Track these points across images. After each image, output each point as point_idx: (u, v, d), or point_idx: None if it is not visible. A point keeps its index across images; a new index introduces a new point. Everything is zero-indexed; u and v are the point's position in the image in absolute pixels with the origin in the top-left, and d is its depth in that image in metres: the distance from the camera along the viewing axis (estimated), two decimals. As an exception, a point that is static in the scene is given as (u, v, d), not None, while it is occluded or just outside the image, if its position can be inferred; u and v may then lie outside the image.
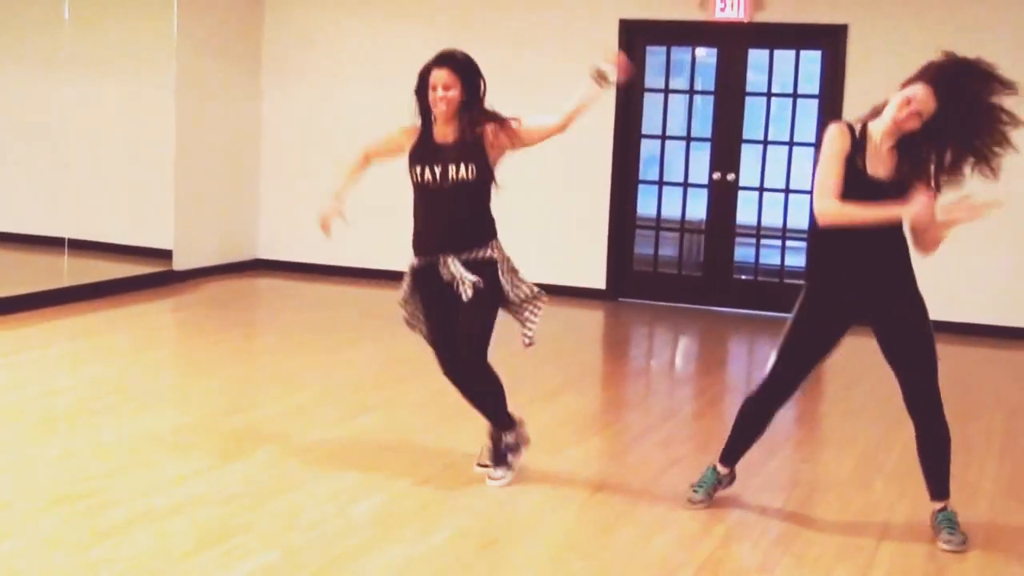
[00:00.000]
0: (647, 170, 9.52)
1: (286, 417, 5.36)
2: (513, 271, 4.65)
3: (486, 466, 4.78)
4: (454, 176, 4.53)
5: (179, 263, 9.26)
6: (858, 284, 4.26)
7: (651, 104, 9.37)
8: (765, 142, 9.12)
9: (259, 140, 10.06)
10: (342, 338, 7.49)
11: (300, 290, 9.40)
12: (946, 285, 8.67)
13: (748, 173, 9.20)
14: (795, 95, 9.07)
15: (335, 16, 9.89)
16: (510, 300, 4.64)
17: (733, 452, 4.62)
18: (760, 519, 4.51)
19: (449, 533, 4.18)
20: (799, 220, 9.16)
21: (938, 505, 4.36)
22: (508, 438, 4.76)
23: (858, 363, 8.08)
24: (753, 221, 9.26)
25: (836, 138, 4.14)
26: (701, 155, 9.35)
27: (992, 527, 4.53)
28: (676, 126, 9.41)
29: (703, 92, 9.38)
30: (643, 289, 9.47)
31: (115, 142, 9.40)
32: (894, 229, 4.16)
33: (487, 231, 4.65)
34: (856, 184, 4.11)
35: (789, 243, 9.18)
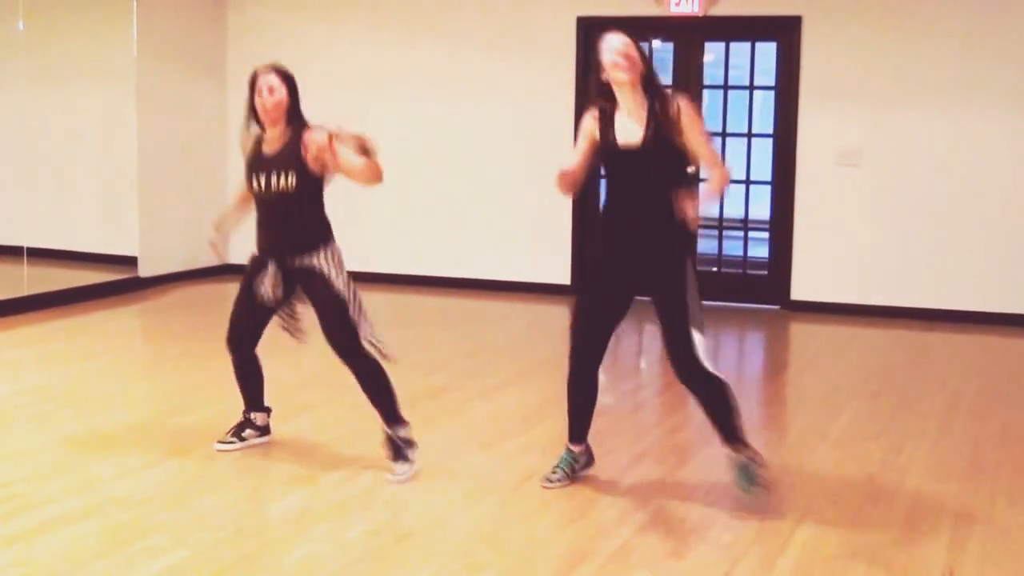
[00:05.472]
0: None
1: (223, 419, 5.36)
2: (343, 274, 4.74)
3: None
4: (275, 185, 4.68)
5: (145, 270, 9.31)
6: (629, 256, 4.48)
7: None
8: (724, 134, 9.13)
9: (226, 145, 10.07)
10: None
11: (267, 294, 9.38)
12: (898, 270, 8.72)
13: (708, 165, 9.22)
14: (751, 87, 9.08)
15: (299, 22, 9.93)
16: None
17: (575, 428, 4.74)
18: (682, 505, 4.51)
19: (364, 528, 4.21)
20: (760, 211, 9.20)
21: (725, 449, 4.54)
22: (400, 432, 4.78)
23: (801, 352, 8.14)
24: (715, 213, 9.26)
25: (582, 122, 4.57)
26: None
27: (914, 509, 4.53)
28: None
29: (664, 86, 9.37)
30: (608, 284, 9.48)
31: (77, 150, 9.45)
32: (663, 208, 4.36)
33: (317, 237, 4.76)
34: (609, 155, 4.50)
35: (751, 234, 9.21)
